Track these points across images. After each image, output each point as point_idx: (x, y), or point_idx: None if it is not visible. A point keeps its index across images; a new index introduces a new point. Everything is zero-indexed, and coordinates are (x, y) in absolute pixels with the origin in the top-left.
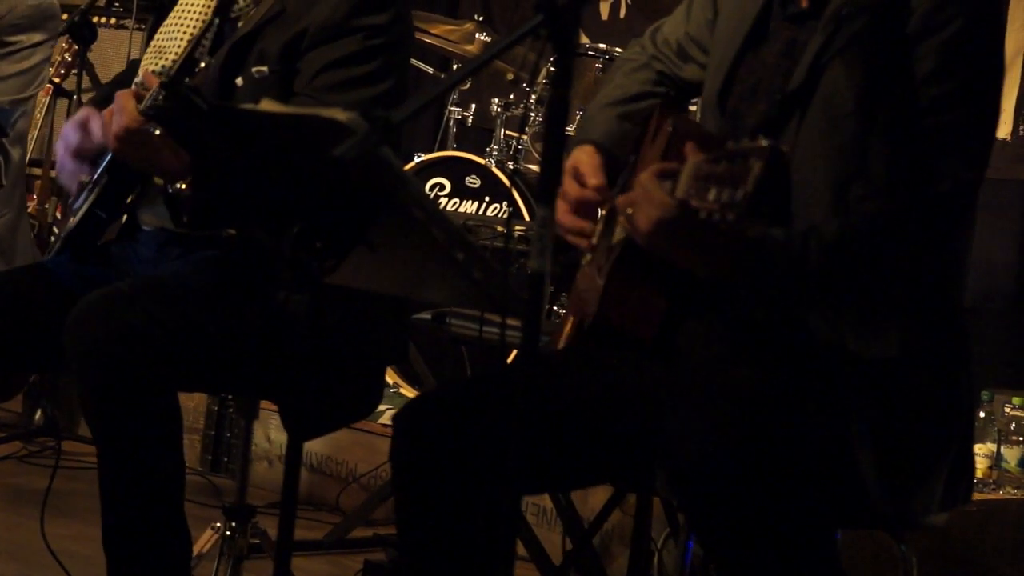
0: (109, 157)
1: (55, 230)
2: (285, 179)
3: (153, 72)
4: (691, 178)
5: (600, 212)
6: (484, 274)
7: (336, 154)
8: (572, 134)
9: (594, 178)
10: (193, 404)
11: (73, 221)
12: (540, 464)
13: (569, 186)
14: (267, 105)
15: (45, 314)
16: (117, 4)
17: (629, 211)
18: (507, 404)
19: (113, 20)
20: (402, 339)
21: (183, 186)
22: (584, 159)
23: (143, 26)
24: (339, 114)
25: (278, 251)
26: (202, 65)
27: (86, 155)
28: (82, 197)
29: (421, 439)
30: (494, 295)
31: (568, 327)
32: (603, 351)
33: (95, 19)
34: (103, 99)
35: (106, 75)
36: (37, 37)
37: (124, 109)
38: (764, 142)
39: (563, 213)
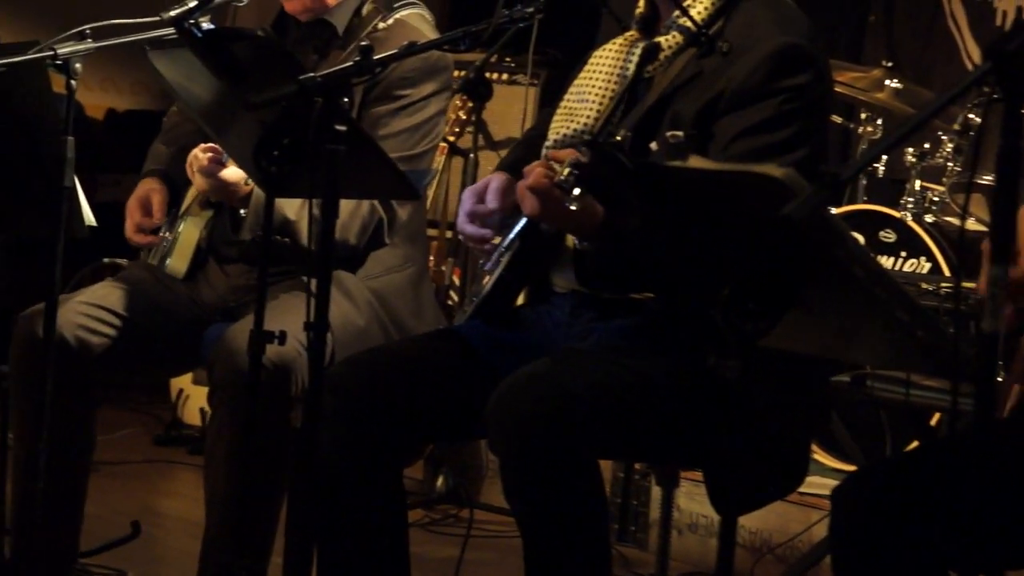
0: (524, 222)
1: (452, 294)
2: (712, 239)
3: (564, 134)
4: None
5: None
6: (930, 335)
7: (785, 213)
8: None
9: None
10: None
11: (486, 285)
12: (990, 542)
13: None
14: (696, 162)
15: (457, 382)
16: (509, 60)
17: None
18: (959, 476)
19: (506, 76)
20: (826, 405)
21: (591, 245)
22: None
23: (536, 82)
24: (774, 171)
25: (706, 314)
26: (618, 138)
27: (487, 220)
28: (492, 261)
29: (867, 515)
30: (943, 357)
31: (1014, 393)
32: None
33: (489, 75)
34: (511, 163)
35: (499, 133)
36: (428, 89)
37: (537, 176)
38: None
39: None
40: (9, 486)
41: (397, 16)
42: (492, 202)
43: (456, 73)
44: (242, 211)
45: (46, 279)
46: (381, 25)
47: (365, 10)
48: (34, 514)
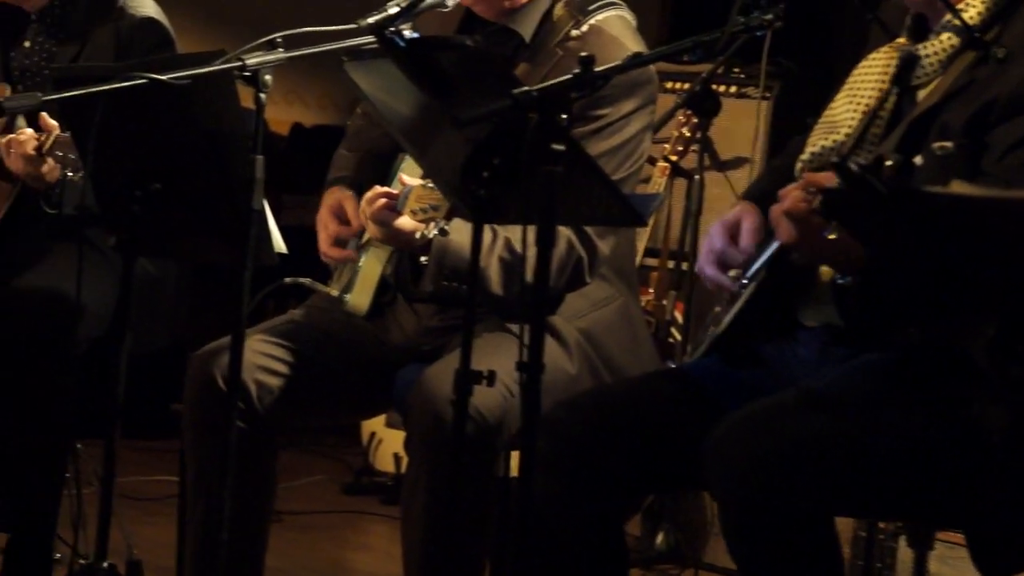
0: (773, 250)
1: (673, 331)
2: (976, 272)
3: (823, 146)
4: None
5: None
6: None
7: None
8: None
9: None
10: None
11: (723, 320)
12: None
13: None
14: (958, 187)
15: (685, 426)
16: (738, 71)
17: None
18: None
19: (734, 89)
20: None
21: (853, 279)
22: None
23: (768, 95)
24: None
25: (969, 355)
26: (888, 163)
27: (733, 264)
28: (732, 294)
29: None
30: None
31: None
32: None
33: (715, 87)
34: (759, 195)
35: (726, 151)
36: (628, 107)
37: (794, 200)
38: None
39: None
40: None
41: (593, 21)
42: (747, 245)
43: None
44: (423, 259)
45: (231, 312)
46: (574, 33)
47: (556, 14)
48: (216, 569)
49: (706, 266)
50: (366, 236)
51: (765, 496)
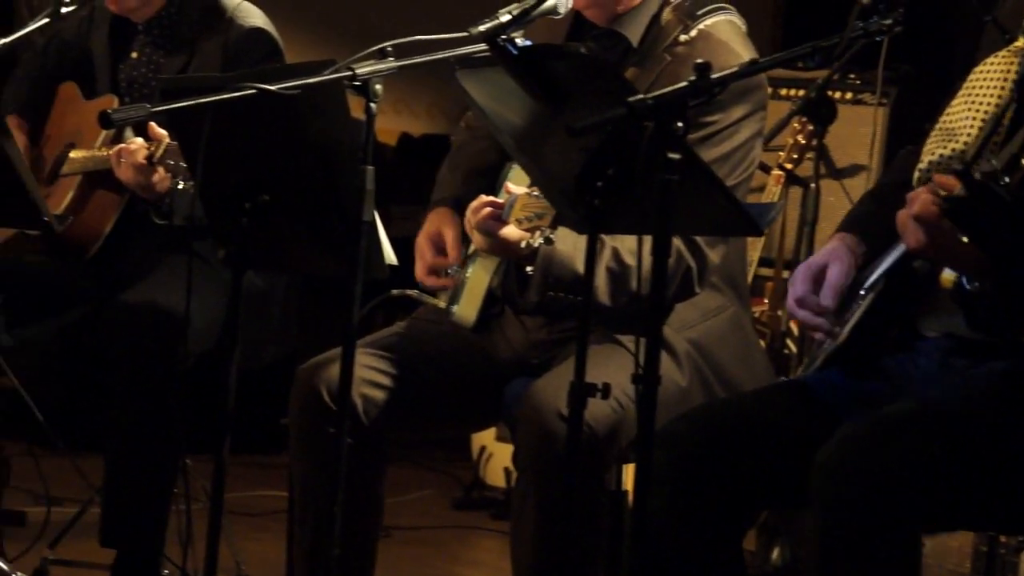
0: (895, 257)
1: (789, 343)
2: None
3: (941, 155)
4: None
5: None
6: None
7: None
8: None
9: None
10: (957, 544)
11: (842, 331)
12: None
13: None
14: None
15: (803, 439)
16: (854, 76)
17: None
18: None
19: (850, 95)
20: None
21: (980, 284)
22: None
23: (885, 101)
24: None
25: None
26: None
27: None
28: (852, 305)
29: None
30: None
31: None
32: None
33: (831, 94)
34: (860, 219)
35: (842, 159)
36: (738, 113)
37: (924, 204)
38: None
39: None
40: (287, 550)
41: (702, 26)
42: (829, 300)
43: (789, 92)
44: (528, 268)
45: (340, 325)
46: (683, 37)
47: (664, 18)
48: None
49: (795, 310)
50: (472, 247)
51: (875, 517)
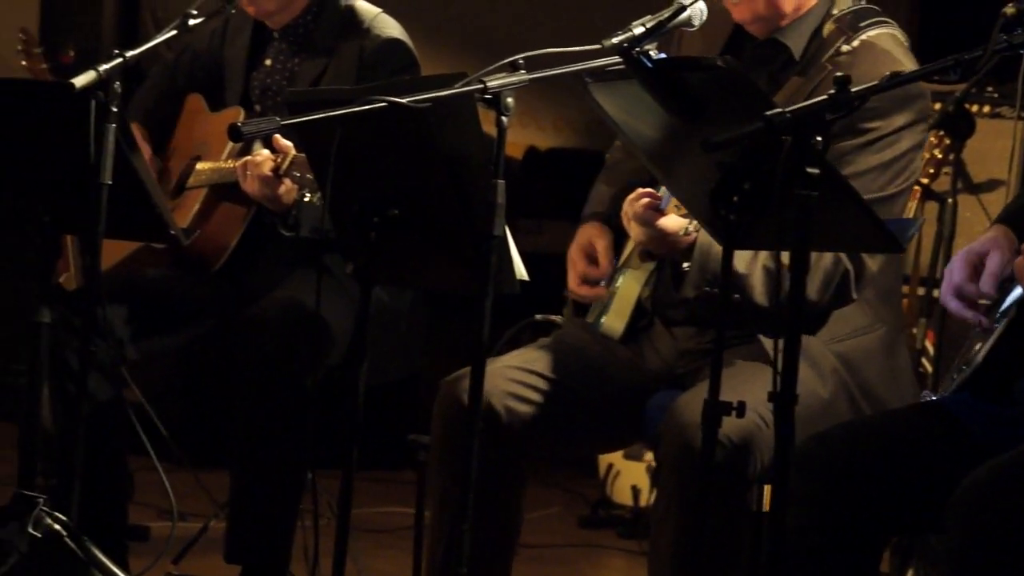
0: (1019, 291)
1: (924, 361)
2: None
3: None
4: None
5: None
6: None
7: None
8: None
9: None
10: None
11: (976, 355)
12: None
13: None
14: None
15: (944, 462)
16: (992, 89)
17: None
18: None
19: (988, 108)
20: None
21: None
22: None
23: None
24: None
25: None
26: None
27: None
28: (986, 328)
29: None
30: None
31: None
32: None
33: (968, 107)
34: (1017, 213)
35: (980, 174)
36: (900, 121)
37: None
38: None
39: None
40: (424, 567)
41: (864, 37)
42: (989, 287)
43: (935, 105)
44: (684, 264)
45: (472, 340)
46: (845, 48)
47: (826, 30)
48: None
49: (948, 300)
50: (622, 259)
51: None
